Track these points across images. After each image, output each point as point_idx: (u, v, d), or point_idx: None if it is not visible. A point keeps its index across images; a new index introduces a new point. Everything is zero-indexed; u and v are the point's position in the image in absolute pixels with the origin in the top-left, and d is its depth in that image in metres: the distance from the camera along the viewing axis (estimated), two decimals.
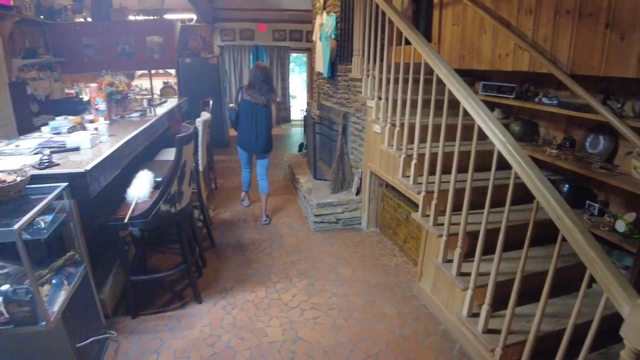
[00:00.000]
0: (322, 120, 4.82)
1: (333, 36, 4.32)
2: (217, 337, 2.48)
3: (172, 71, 9.17)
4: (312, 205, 3.92)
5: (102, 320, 2.49)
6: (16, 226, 1.63)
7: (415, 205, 3.03)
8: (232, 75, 9.25)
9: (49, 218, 2.02)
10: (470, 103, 2.21)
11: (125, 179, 2.71)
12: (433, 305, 2.72)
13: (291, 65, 10.16)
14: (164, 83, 9.39)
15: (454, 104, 2.37)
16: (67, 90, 6.79)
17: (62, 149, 2.52)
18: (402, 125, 3.00)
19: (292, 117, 10.58)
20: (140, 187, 2.56)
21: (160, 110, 4.36)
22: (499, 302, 2.16)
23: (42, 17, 6.32)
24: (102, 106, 3.42)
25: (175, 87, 8.36)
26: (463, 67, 3.66)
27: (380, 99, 3.30)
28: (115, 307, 2.75)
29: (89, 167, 2.13)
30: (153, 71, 8.54)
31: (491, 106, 3.27)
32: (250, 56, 9.21)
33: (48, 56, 6.42)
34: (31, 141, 2.85)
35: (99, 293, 2.61)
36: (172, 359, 2.31)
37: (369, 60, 3.47)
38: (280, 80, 9.61)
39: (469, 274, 2.30)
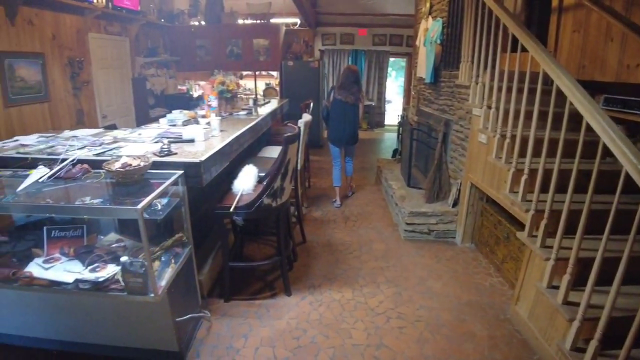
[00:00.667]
0: (421, 127, 4.70)
1: (438, 41, 4.19)
2: (302, 331, 2.53)
3: (274, 73, 9.62)
4: (404, 213, 3.83)
5: (199, 300, 2.66)
6: (139, 206, 1.81)
7: (518, 224, 2.80)
8: (330, 78, 9.44)
9: (164, 201, 2.21)
10: (596, 118, 1.98)
11: (230, 172, 2.87)
12: (528, 331, 2.50)
13: (388, 69, 10.07)
14: (266, 84, 9.89)
15: (574, 117, 2.16)
16: (179, 87, 7.44)
17: (179, 140, 2.75)
18: (513, 137, 2.80)
19: (387, 121, 10.49)
20: (246, 180, 2.71)
21: (265, 110, 4.57)
22: (610, 340, 1.92)
23: (162, 20, 6.99)
24: (214, 103, 3.68)
25: (277, 89, 8.75)
26: (582, 78, 3.30)
27: (489, 107, 3.11)
28: (210, 288, 2.93)
29: (203, 158, 2.29)
30: (257, 72, 9.04)
31: (614, 122, 2.92)
32: (349, 60, 9.32)
33: (166, 55, 7.10)
34: (151, 131, 3.15)
35: (198, 274, 2.80)
36: (259, 346, 2.40)
37: (478, 67, 3.30)
38: (377, 84, 9.60)
39: (576, 304, 2.06)
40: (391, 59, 9.91)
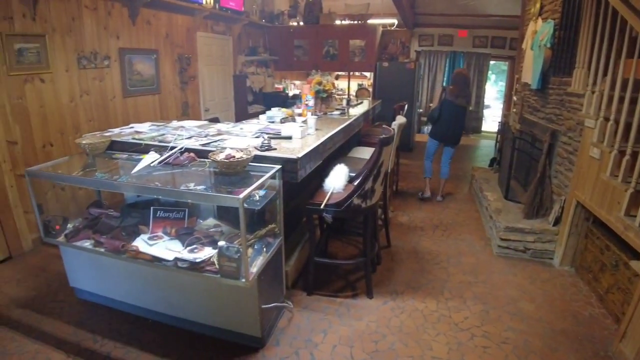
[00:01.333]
0: (523, 136, 4.37)
1: (548, 45, 3.85)
2: (381, 336, 2.49)
3: (368, 74, 9.62)
4: (498, 228, 3.60)
5: (284, 290, 2.74)
6: (241, 195, 1.90)
7: (631, 252, 2.49)
8: (425, 80, 9.20)
9: (262, 193, 2.31)
10: None
11: (322, 170, 2.92)
12: None
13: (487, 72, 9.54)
14: (359, 85, 9.93)
15: None
16: (276, 85, 7.74)
17: (277, 136, 2.86)
18: (634, 153, 2.50)
19: (484, 127, 9.96)
20: (337, 179, 2.74)
21: (357, 111, 4.59)
22: None
23: (263, 20, 7.31)
24: (311, 102, 3.77)
25: (370, 90, 8.74)
26: None
27: (606, 119, 2.80)
28: (294, 280, 3.01)
29: (300, 155, 2.36)
30: (351, 73, 9.11)
31: None
32: (447, 62, 9.00)
33: (265, 55, 7.43)
34: (252, 126, 3.31)
35: (285, 265, 2.89)
36: (337, 344, 2.42)
37: (595, 74, 2.98)
38: (476, 88, 9.15)
39: None
40: (491, 62, 9.39)
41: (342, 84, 9.51)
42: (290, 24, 7.89)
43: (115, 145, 2.90)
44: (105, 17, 4.19)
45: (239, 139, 2.79)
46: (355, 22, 7.59)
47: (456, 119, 4.70)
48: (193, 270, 2.17)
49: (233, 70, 6.69)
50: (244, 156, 2.31)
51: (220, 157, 2.31)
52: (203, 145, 2.62)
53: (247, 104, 7.02)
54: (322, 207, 2.53)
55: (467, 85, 4.70)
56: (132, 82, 4.59)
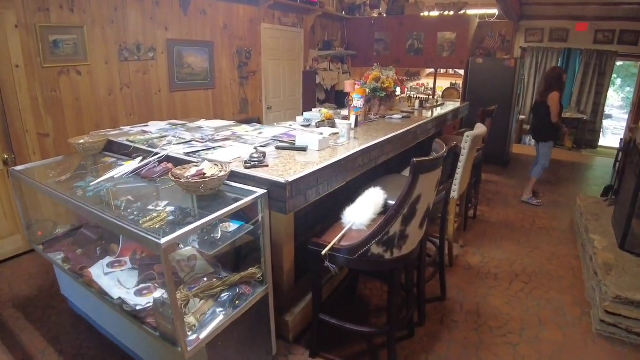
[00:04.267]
0: None
1: None
2: None
3: (462, 72, 8.43)
4: (605, 293, 2.46)
5: (273, 349, 2.08)
6: (164, 240, 1.28)
7: None
8: (529, 81, 7.76)
9: (234, 227, 1.68)
10: None
11: (356, 192, 2.19)
12: None
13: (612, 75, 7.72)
14: (451, 84, 8.77)
15: None
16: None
17: (290, 147, 2.20)
18: None
19: (602, 142, 8.07)
20: (361, 210, 1.98)
21: (429, 114, 3.75)
22: None
23: (343, 12, 6.66)
24: (359, 102, 3.03)
25: (460, 90, 7.61)
26: None
27: None
28: (300, 333, 2.33)
29: (291, 179, 1.67)
30: (442, 70, 8.04)
31: None
32: (560, 61, 7.43)
33: (341, 49, 6.77)
34: (275, 130, 2.68)
35: (288, 314, 2.23)
36: None
37: None
38: (594, 93, 7.41)
39: None
40: (618, 63, 7.57)
41: (440, 82, 8.37)
42: (373, 15, 7.12)
43: (112, 146, 2.50)
44: (152, 8, 3.91)
45: (239, 147, 2.19)
46: (446, 12, 6.56)
47: (536, 113, 4.75)
48: (133, 317, 1.65)
49: (303, 65, 6.16)
50: (220, 173, 1.70)
51: (190, 172, 1.73)
52: (188, 154, 2.06)
53: (318, 102, 6.45)
54: (323, 253, 1.80)
55: (552, 80, 4.50)
56: (181, 76, 4.27)
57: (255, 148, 1.91)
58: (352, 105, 3.03)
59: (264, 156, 1.88)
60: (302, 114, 3.24)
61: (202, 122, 3.02)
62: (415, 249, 1.93)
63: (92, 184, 1.94)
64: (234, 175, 1.79)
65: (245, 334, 1.85)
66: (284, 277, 2.29)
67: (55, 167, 2.47)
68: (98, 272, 1.91)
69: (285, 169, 1.79)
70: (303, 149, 2.14)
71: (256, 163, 1.81)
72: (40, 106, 3.21)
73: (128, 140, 2.41)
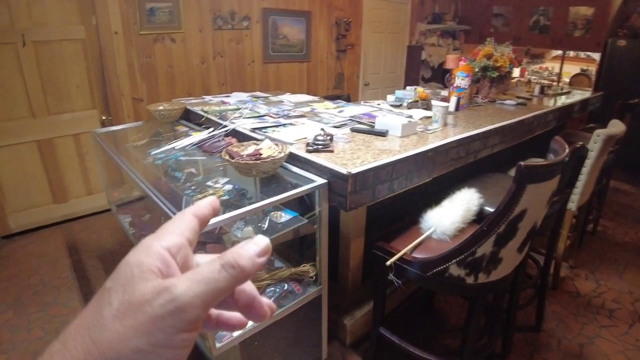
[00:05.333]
0: None
1: None
2: None
3: (597, 55, 7.15)
4: None
5: (323, 351, 1.84)
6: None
7: None
8: None
9: (285, 217, 1.44)
10: None
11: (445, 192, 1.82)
12: None
13: None
14: (582, 71, 7.50)
15: None
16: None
17: (366, 130, 1.88)
18: None
19: None
20: (447, 215, 1.61)
21: (550, 103, 3.13)
22: None
23: None
24: (464, 82, 2.57)
25: (593, 78, 6.44)
26: None
27: None
28: (360, 338, 2.04)
29: (354, 170, 1.37)
30: (572, 53, 6.89)
31: None
32: None
33: (453, 23, 6.11)
34: (357, 109, 2.38)
35: (348, 316, 1.98)
36: None
37: None
38: None
39: None
40: None
41: (568, 67, 7.21)
42: None
43: (188, 115, 2.42)
44: None
45: (305, 127, 1.93)
46: None
47: None
48: None
49: (408, 39, 5.66)
50: (278, 154, 1.47)
51: (247, 151, 1.53)
52: (254, 129, 1.86)
53: (422, 80, 5.92)
54: (388, 263, 1.48)
55: None
56: (276, 47, 4.12)
57: (322, 129, 1.63)
58: (454, 85, 2.59)
59: (331, 139, 1.60)
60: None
61: (285, 96, 2.82)
62: (508, 275, 1.51)
63: (152, 152, 1.84)
64: (294, 159, 1.55)
65: (289, 335, 1.64)
66: (348, 275, 2.03)
67: (135, 132, 2.47)
68: None
69: (352, 157, 1.49)
70: (382, 134, 1.81)
71: (320, 146, 1.53)
72: (136, 72, 3.28)
73: (202, 110, 2.30)
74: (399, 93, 2.76)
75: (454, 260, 1.36)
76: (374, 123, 1.94)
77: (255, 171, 1.41)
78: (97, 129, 2.29)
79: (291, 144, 1.61)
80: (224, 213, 1.23)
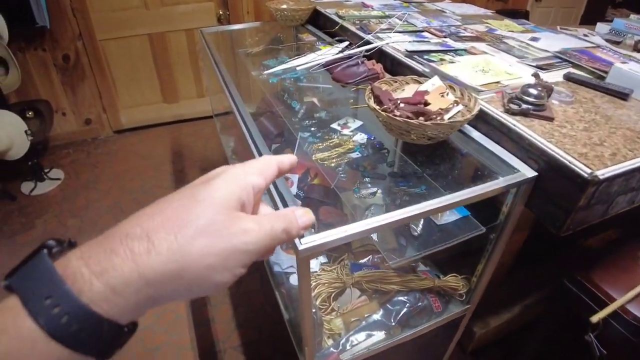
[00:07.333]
0: None
1: None
2: None
3: None
4: None
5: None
6: (301, 248, 0.62)
7: None
8: None
9: (449, 217, 0.91)
10: None
11: None
12: None
13: None
14: None
15: None
16: None
17: (591, 82, 1.16)
18: None
19: None
20: None
21: None
22: None
23: None
24: None
25: None
26: None
27: None
28: (483, 347, 1.59)
29: (604, 173, 0.74)
30: None
31: None
32: None
33: None
34: (559, 40, 1.59)
35: (480, 322, 1.51)
36: None
37: None
38: None
39: None
40: None
41: None
42: None
43: (318, 19, 1.88)
44: None
45: (493, 60, 1.26)
46: None
47: None
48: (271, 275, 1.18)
49: None
50: (456, 109, 0.89)
51: (401, 94, 0.97)
52: (411, 53, 1.27)
53: (611, 6, 4.50)
54: (595, 319, 0.89)
55: None
56: None
57: (537, 74, 0.98)
58: None
59: (548, 96, 0.96)
60: (608, 19, 1.97)
61: (446, 4, 2.09)
62: None
63: (265, 72, 1.36)
64: (477, 117, 0.95)
65: (405, 356, 1.21)
66: (491, 270, 1.50)
67: (252, 33, 2.00)
68: None
69: (589, 137, 0.85)
70: (622, 94, 1.10)
71: (530, 107, 0.90)
72: None
73: (337, 15, 1.73)
74: (619, 23, 1.86)
75: None
76: (598, 70, 1.21)
77: (415, 134, 0.86)
78: (206, 28, 1.85)
79: (479, 90, 1.01)
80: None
